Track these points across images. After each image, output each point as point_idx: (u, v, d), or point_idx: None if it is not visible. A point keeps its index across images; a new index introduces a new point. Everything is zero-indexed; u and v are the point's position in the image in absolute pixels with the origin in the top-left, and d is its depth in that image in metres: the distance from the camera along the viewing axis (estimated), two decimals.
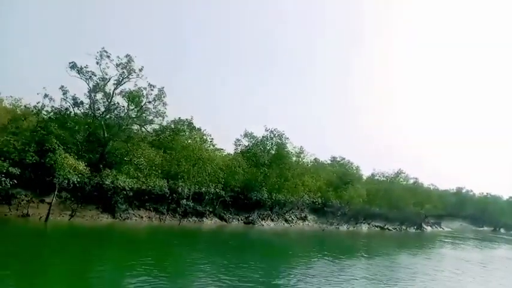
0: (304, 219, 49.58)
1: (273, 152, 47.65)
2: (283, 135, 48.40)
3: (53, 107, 34.05)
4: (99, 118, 34.12)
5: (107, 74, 33.30)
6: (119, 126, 34.24)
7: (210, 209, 38.68)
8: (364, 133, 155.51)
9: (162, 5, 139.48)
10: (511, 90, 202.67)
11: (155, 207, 34.82)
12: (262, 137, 48.99)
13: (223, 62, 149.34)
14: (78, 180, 28.33)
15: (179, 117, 45.85)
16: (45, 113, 34.71)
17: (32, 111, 34.63)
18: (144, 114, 34.90)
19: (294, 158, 51.12)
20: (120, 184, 30.81)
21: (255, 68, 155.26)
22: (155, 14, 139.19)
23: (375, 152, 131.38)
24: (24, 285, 13.91)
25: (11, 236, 22.04)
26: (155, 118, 35.57)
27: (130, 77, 33.75)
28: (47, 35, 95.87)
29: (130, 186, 31.41)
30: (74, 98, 34.10)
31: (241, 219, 41.43)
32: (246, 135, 50.04)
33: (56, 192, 27.48)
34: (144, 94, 34.04)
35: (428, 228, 72.57)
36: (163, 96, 34.08)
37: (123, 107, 34.77)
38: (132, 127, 35.97)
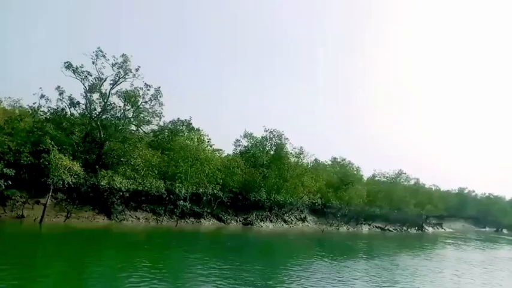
0: (303, 220, 49.17)
1: (272, 153, 47.31)
2: (283, 136, 48.08)
3: (49, 107, 33.98)
4: (95, 118, 33.92)
5: (103, 74, 33.21)
6: (115, 126, 34.05)
7: (208, 210, 38.36)
8: (366, 134, 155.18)
9: (163, 5, 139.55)
10: None
11: (152, 208, 34.53)
12: (262, 137, 48.67)
13: (223, 61, 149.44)
14: (73, 181, 28.09)
15: (178, 118, 45.71)
16: (41, 113, 34.62)
17: (28, 111, 34.51)
18: (141, 115, 34.66)
19: (294, 159, 50.70)
20: (116, 185, 30.57)
21: (255, 68, 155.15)
22: (155, 14, 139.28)
23: (376, 152, 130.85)
24: None
25: (3, 239, 21.78)
26: (152, 118, 35.36)
27: (127, 76, 33.58)
28: (47, 35, 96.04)
29: (126, 187, 31.16)
30: (71, 99, 33.97)
31: (240, 221, 41.08)
32: (245, 135, 49.74)
33: (50, 194, 27.22)
34: (141, 94, 33.82)
35: (430, 229, 71.98)
36: (160, 96, 33.93)
37: (120, 107, 34.60)
38: (129, 128, 35.77)
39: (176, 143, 39.08)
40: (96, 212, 30.92)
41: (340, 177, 57.35)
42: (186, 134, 44.52)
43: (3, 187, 25.76)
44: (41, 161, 26.90)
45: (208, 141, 42.60)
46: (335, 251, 32.45)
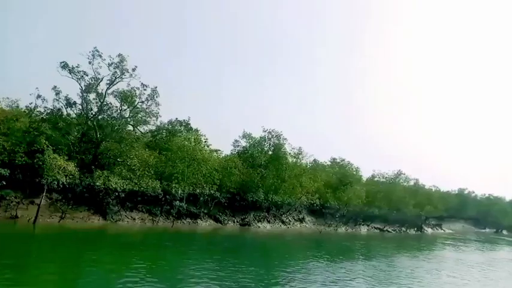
0: (301, 220, 48.95)
1: (270, 153, 47.09)
2: (281, 136, 47.86)
3: (45, 107, 33.85)
4: (91, 119, 33.75)
5: (99, 74, 33.04)
6: (112, 126, 33.89)
7: (205, 211, 38.15)
8: (366, 134, 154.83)
9: (163, 5, 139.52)
10: None
11: (148, 209, 34.35)
12: (260, 137, 48.44)
13: (223, 61, 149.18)
14: (68, 181, 27.91)
15: (176, 118, 45.62)
16: (37, 113, 34.48)
17: (25, 112, 34.38)
18: (137, 115, 34.50)
19: (292, 159, 50.51)
20: (111, 185, 30.39)
21: (255, 68, 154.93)
22: (155, 14, 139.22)
23: (376, 152, 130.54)
24: None
25: None
26: (149, 118, 35.18)
27: (123, 76, 33.42)
28: (47, 35, 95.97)
29: (122, 188, 30.97)
30: (67, 99, 33.78)
31: (237, 221, 40.86)
32: (244, 136, 49.51)
33: (44, 194, 27.05)
34: (137, 94, 33.63)
35: (429, 230, 71.70)
36: (156, 96, 33.74)
37: (116, 107, 34.43)
38: (126, 128, 35.60)
39: (174, 143, 38.89)
40: (92, 213, 30.73)
41: (339, 178, 57.10)
42: (184, 134, 44.43)
43: None
44: (35, 161, 26.71)
45: (205, 142, 42.38)
46: (332, 252, 32.21)
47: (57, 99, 33.41)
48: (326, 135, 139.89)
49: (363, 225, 57.80)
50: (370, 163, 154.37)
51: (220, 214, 39.64)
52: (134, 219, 32.93)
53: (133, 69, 33.31)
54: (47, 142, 27.64)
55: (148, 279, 15.90)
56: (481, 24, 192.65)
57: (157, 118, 35.51)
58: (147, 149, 37.00)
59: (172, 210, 34.94)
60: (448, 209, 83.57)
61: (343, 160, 64.20)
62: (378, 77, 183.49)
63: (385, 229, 60.03)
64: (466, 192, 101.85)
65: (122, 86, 34.06)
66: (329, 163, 64.65)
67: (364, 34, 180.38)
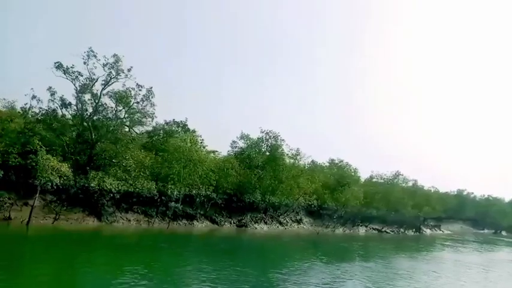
0: (299, 222, 48.71)
1: (268, 154, 46.85)
2: (279, 137, 47.63)
3: (40, 108, 33.63)
4: (86, 119, 33.52)
5: (94, 74, 32.78)
6: (107, 127, 33.66)
7: (201, 212, 37.91)
8: (366, 134, 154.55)
9: (163, 5, 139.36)
10: None
11: (144, 210, 34.08)
12: (258, 138, 48.22)
13: (223, 61, 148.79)
14: (61, 182, 27.65)
15: (173, 119, 45.43)
16: (32, 114, 34.27)
17: (19, 112, 34.17)
18: (132, 115, 34.27)
19: (290, 160, 50.31)
20: (106, 186, 30.15)
21: (255, 68, 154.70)
22: (155, 14, 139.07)
23: (376, 152, 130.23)
24: None
25: None
26: (144, 119, 34.97)
27: (119, 77, 33.15)
28: (47, 35, 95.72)
29: (117, 189, 30.73)
30: (62, 99, 33.54)
31: (234, 222, 40.60)
32: (242, 137, 49.27)
33: (37, 195, 26.75)
34: (132, 94, 33.41)
35: (428, 231, 71.52)
36: (152, 97, 33.50)
37: (112, 108, 34.19)
38: (122, 129, 35.35)
39: (170, 144, 38.67)
40: (86, 214, 30.46)
41: (336, 179, 56.87)
42: (181, 135, 44.21)
43: None
44: (28, 162, 26.46)
45: (201, 142, 42.18)
46: (329, 253, 32.04)
47: (52, 100, 33.20)
48: (326, 135, 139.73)
49: (361, 226, 57.57)
50: (370, 163, 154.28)
51: (217, 215, 39.39)
52: (129, 220, 32.68)
53: (129, 70, 33.05)
54: (40, 143, 27.39)
55: (143, 281, 15.71)
56: (481, 24, 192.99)
57: (152, 119, 35.33)
58: (142, 150, 36.80)
59: (168, 212, 34.68)
60: (446, 209, 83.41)
61: (342, 161, 64.01)
62: (378, 77, 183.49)
63: (383, 230, 59.82)
64: (465, 193, 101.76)
65: (117, 86, 33.87)
66: (327, 164, 64.51)
67: (364, 34, 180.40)
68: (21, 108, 35.07)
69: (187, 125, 45.65)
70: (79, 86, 32.46)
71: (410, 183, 72.89)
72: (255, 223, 42.24)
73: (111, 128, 33.70)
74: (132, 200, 33.14)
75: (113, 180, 31.08)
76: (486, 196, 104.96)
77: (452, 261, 35.38)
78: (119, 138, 34.05)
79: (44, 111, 33.50)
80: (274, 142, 47.27)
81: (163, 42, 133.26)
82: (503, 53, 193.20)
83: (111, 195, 30.95)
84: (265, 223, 43.67)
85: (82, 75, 32.05)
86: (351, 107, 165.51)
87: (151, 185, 33.11)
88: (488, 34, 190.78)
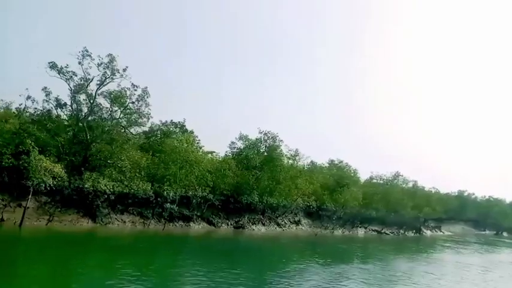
0: (297, 223, 48.26)
1: (265, 155, 46.47)
2: (277, 138, 47.30)
3: (35, 108, 33.41)
4: (81, 120, 33.22)
5: (89, 74, 32.49)
6: (102, 128, 33.33)
7: (198, 213, 37.50)
8: (366, 134, 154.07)
9: (163, 5, 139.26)
10: None
11: (139, 211, 33.70)
12: (256, 139, 47.88)
13: (223, 61, 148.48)
14: (55, 183, 27.32)
15: (171, 120, 45.14)
16: (27, 114, 34.03)
17: (14, 113, 33.89)
18: (127, 116, 33.96)
19: (289, 161, 49.91)
20: (101, 187, 29.81)
21: (255, 68, 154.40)
22: (155, 14, 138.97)
23: (376, 152, 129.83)
24: None
25: None
26: (140, 119, 34.63)
27: (114, 77, 32.83)
28: (47, 35, 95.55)
29: (111, 190, 30.38)
30: (57, 100, 33.29)
31: (231, 224, 40.19)
32: (240, 137, 48.93)
33: (30, 196, 26.41)
34: (128, 95, 33.09)
35: (428, 232, 70.97)
36: (147, 97, 33.15)
37: (107, 108, 33.89)
38: (117, 129, 35.02)
39: (166, 145, 38.34)
40: (81, 215, 30.10)
41: (335, 180, 56.46)
42: (179, 136, 43.89)
43: None
44: (21, 162, 26.12)
45: (197, 143, 41.83)
46: (327, 255, 31.62)
47: (47, 100, 32.97)
48: (326, 136, 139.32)
49: (360, 227, 57.10)
50: (370, 163, 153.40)
51: (214, 217, 38.98)
52: (124, 222, 32.31)
53: (124, 70, 32.75)
54: (32, 143, 27.03)
55: (136, 284, 15.37)
56: (481, 24, 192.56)
57: (148, 119, 34.95)
58: (138, 151, 36.48)
59: (164, 213, 34.29)
60: (447, 210, 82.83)
61: (341, 162, 63.66)
62: (378, 77, 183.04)
63: (382, 231, 59.33)
64: (466, 193, 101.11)
65: (113, 86, 33.57)
66: (327, 165, 64.11)
67: (364, 34, 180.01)
68: (16, 108, 34.85)
69: (185, 126, 45.44)
70: (73, 86, 32.18)
71: (410, 184, 72.48)
72: (252, 224, 41.83)
73: (106, 129, 33.38)
74: (128, 201, 32.76)
75: (108, 181, 30.75)
76: (487, 197, 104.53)
77: (452, 263, 34.91)
78: (114, 138, 33.72)
79: (39, 112, 33.34)
80: (272, 143, 46.95)
81: (163, 42, 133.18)
82: (503, 53, 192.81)
83: (106, 196, 30.56)
84: (263, 224, 43.25)
85: (76, 75, 31.81)
86: (351, 107, 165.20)
87: (146, 186, 32.76)
88: (488, 34, 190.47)
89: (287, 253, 31.93)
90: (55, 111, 33.83)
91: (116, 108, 33.87)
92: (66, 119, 34.76)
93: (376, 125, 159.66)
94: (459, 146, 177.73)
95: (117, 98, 33.14)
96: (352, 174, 62.81)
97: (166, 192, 33.75)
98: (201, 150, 42.52)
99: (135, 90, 33.05)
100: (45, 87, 32.67)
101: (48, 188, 27.63)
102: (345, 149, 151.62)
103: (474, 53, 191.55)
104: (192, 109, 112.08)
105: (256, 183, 42.97)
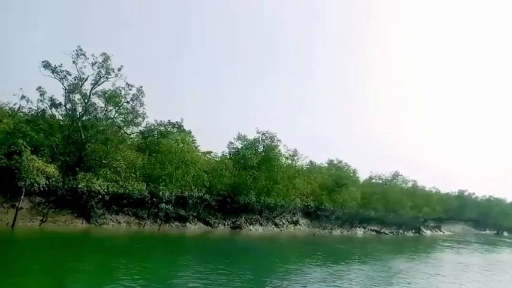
0: (295, 223, 47.91)
1: (263, 154, 46.15)
2: (275, 137, 46.99)
3: (30, 108, 33.14)
4: (76, 120, 32.94)
5: (83, 74, 32.22)
6: (97, 127, 33.05)
7: (194, 214, 37.16)
8: (366, 134, 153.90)
9: (163, 5, 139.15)
10: None
11: (135, 212, 33.37)
12: (254, 139, 47.58)
13: (223, 61, 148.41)
14: (47, 183, 27.01)
15: (168, 120, 44.88)
16: (21, 114, 33.79)
17: (8, 113, 33.63)
18: (122, 116, 33.68)
19: (287, 161, 49.64)
20: (95, 187, 29.52)
21: (255, 68, 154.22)
22: (155, 14, 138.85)
23: (376, 152, 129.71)
24: None
25: None
26: (135, 119, 34.36)
27: (109, 76, 32.58)
28: (47, 35, 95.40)
29: (106, 190, 30.09)
30: (52, 99, 33.02)
31: (228, 224, 39.84)
32: (239, 138, 48.65)
33: (22, 197, 26.11)
34: (122, 94, 32.81)
35: (428, 232, 70.60)
36: (142, 96, 32.87)
37: (102, 107, 33.61)
38: (112, 129, 34.74)
39: (163, 145, 38.07)
40: (75, 216, 29.77)
41: (334, 180, 56.19)
42: (176, 136, 43.62)
43: None
44: (13, 162, 25.82)
45: (193, 143, 41.53)
46: (324, 255, 31.27)
47: (41, 100, 32.69)
48: (326, 136, 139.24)
49: (359, 227, 56.74)
50: (370, 163, 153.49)
51: (210, 217, 38.63)
52: (119, 222, 31.98)
53: (119, 69, 32.49)
54: (24, 143, 26.74)
55: (131, 285, 15.11)
56: (481, 24, 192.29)
57: (143, 118, 34.67)
58: (134, 151, 36.22)
59: (159, 214, 33.97)
60: (447, 210, 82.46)
61: (341, 162, 63.41)
62: (378, 77, 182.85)
63: (382, 231, 58.97)
64: (466, 193, 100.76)
65: (108, 86, 33.31)
66: (326, 165, 63.84)
67: (364, 34, 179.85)
68: (10, 108, 34.57)
69: (182, 126, 45.19)
70: (67, 85, 31.91)
71: (409, 184, 72.12)
72: (249, 225, 41.49)
73: (101, 128, 33.08)
74: (123, 201, 32.44)
75: (102, 181, 30.46)
76: (487, 197, 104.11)
77: (451, 263, 34.56)
78: (109, 138, 33.45)
79: (33, 112, 33.08)
80: (270, 143, 46.64)
81: (163, 42, 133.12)
82: (503, 53, 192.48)
83: (101, 196, 30.28)
84: (260, 224, 42.92)
85: (70, 75, 31.55)
86: (351, 107, 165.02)
87: (142, 186, 32.50)
88: (488, 34, 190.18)
89: (284, 253, 31.61)
90: (49, 111, 33.60)
91: (111, 108, 33.60)
92: (61, 119, 34.50)
93: (376, 125, 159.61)
94: (459, 146, 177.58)
95: (111, 98, 32.88)
96: (352, 174, 62.54)
97: (162, 193, 33.46)
98: (196, 150, 42.17)
99: (130, 89, 32.81)
100: (40, 87, 32.41)
101: (42, 189, 27.37)
102: (345, 149, 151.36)
103: (474, 53, 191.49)
104: (192, 109, 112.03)
105: (254, 183, 42.68)
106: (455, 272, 28.47)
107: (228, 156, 46.37)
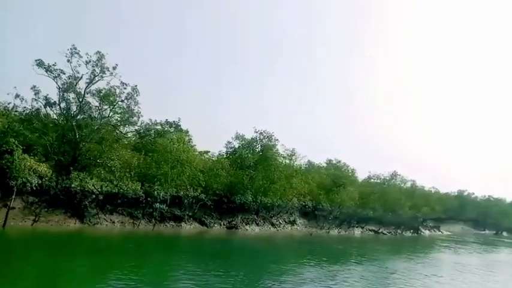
0: (292, 223, 47.63)
1: (260, 154, 45.89)
2: (273, 137, 46.75)
3: (24, 107, 32.94)
4: (70, 119, 32.69)
5: (78, 73, 31.97)
6: (92, 127, 32.80)
7: (190, 214, 36.89)
8: (366, 134, 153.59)
9: (163, 5, 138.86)
10: None
11: (129, 211, 33.11)
12: (251, 138, 47.33)
13: (223, 61, 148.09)
14: (40, 182, 26.76)
15: (166, 119, 44.67)
16: (16, 113, 33.54)
17: (2, 112, 33.35)
18: (117, 115, 33.42)
19: (285, 160, 49.35)
20: (88, 187, 29.26)
21: (255, 68, 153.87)
22: (155, 14, 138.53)
23: (376, 152, 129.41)
24: None
25: None
26: (130, 118, 34.10)
27: (104, 75, 32.31)
28: (47, 35, 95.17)
29: (99, 190, 29.83)
30: (47, 98, 32.77)
31: (224, 224, 39.57)
32: (237, 137, 48.40)
33: (14, 196, 25.84)
34: (117, 93, 32.55)
35: (426, 232, 70.30)
36: (136, 95, 32.60)
37: (96, 106, 33.35)
38: (107, 128, 34.49)
39: (159, 144, 37.83)
40: (68, 216, 29.51)
41: (332, 179, 55.93)
42: (173, 135, 43.37)
43: None
44: (4, 161, 25.56)
45: (189, 142, 41.27)
46: (322, 255, 30.98)
47: (35, 99, 32.45)
48: (326, 135, 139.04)
49: (356, 227, 56.45)
50: (370, 163, 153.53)
51: (206, 217, 38.36)
52: (113, 222, 31.72)
53: (114, 68, 32.21)
54: (16, 142, 26.46)
55: (125, 285, 14.86)
56: (481, 24, 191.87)
57: (138, 117, 34.41)
58: (130, 150, 35.98)
59: (154, 213, 33.71)
60: (446, 210, 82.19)
61: (339, 161, 63.13)
62: (378, 77, 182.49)
63: (380, 231, 58.67)
64: (465, 193, 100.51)
65: (102, 85, 33.04)
66: (325, 164, 63.58)
67: (364, 34, 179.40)
68: (4, 107, 34.31)
69: (180, 125, 44.99)
70: (62, 84, 31.66)
71: (408, 184, 71.87)
72: (246, 224, 41.22)
73: (95, 128, 32.82)
74: (117, 201, 32.17)
75: (96, 181, 30.20)
76: (487, 197, 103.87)
77: (449, 263, 34.24)
78: (104, 137, 33.21)
79: (27, 111, 32.85)
80: (268, 142, 46.39)
81: (163, 42, 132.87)
82: (503, 53, 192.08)
83: (94, 196, 30.03)
84: (257, 224, 42.64)
85: (64, 73, 31.31)
86: (351, 107, 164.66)
87: (136, 186, 32.23)
88: (488, 34, 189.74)
89: (280, 253, 31.35)
90: (44, 110, 33.36)
91: (106, 107, 33.34)
92: (56, 118, 34.26)
93: (376, 125, 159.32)
94: (459, 146, 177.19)
95: (106, 96, 32.63)
96: (350, 174, 62.25)
97: (157, 192, 33.20)
98: (192, 150, 41.88)
99: (125, 88, 32.53)
100: (34, 86, 32.16)
101: (34, 188, 27.10)
102: (344, 149, 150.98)
103: (474, 53, 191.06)
104: (192, 109, 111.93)
105: (251, 182, 42.43)
106: (451, 272, 28.16)
107: (225, 156, 46.08)
